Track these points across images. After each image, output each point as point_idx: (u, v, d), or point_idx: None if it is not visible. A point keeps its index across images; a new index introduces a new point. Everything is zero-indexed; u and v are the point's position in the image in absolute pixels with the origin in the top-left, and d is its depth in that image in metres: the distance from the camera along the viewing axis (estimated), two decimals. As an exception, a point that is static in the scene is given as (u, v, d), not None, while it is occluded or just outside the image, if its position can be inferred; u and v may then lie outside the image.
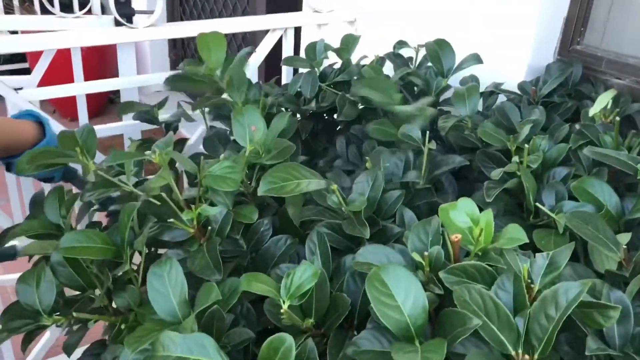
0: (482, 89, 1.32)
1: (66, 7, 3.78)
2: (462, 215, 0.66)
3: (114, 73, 1.40)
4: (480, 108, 1.27)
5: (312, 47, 1.36)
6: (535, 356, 0.57)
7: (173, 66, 3.68)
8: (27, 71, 3.22)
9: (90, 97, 1.42)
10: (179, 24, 1.45)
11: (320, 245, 0.77)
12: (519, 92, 1.29)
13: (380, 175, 0.87)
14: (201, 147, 1.18)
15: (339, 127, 1.30)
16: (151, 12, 1.33)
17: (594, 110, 0.99)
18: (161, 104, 1.26)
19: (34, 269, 0.71)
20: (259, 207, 0.88)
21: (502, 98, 1.29)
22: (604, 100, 0.97)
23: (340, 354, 0.64)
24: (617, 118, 0.94)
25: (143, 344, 0.59)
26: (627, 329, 0.60)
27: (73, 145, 0.84)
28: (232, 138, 1.16)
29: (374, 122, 1.01)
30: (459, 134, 1.09)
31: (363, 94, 1.06)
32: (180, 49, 3.62)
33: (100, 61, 2.89)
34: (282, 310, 0.64)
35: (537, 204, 0.87)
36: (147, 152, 0.81)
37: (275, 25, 1.51)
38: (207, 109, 1.26)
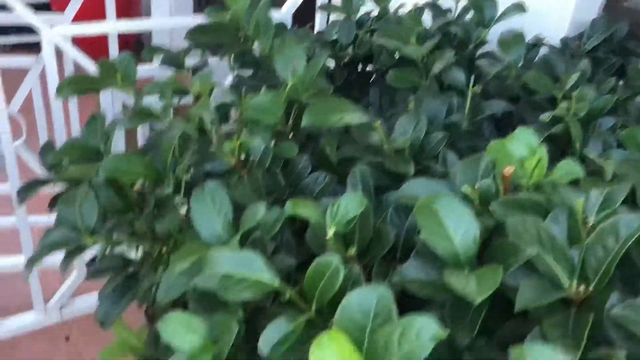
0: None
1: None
2: (521, 145, 0.64)
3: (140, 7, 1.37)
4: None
5: (349, -6, 1.32)
6: (591, 288, 0.56)
7: (197, 7, 3.62)
8: (46, 7, 3.17)
9: (119, 40, 1.41)
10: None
11: (363, 181, 0.76)
12: (563, 46, 1.25)
13: (423, 118, 0.85)
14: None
15: (374, 77, 1.28)
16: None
17: (644, 61, 0.95)
18: (188, 50, 1.23)
19: (75, 191, 0.71)
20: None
21: (543, 52, 1.26)
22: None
23: (385, 282, 0.63)
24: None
25: (190, 261, 0.58)
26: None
27: (112, 73, 0.82)
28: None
29: (393, 69, 0.99)
30: (501, 82, 1.06)
31: (380, 42, 1.04)
32: None
33: (127, 4, 2.85)
34: (327, 238, 0.63)
35: (584, 151, 0.84)
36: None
37: (310, -28, 1.48)
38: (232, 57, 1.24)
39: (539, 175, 0.64)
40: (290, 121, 0.92)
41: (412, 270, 0.61)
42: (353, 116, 0.80)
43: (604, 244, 0.56)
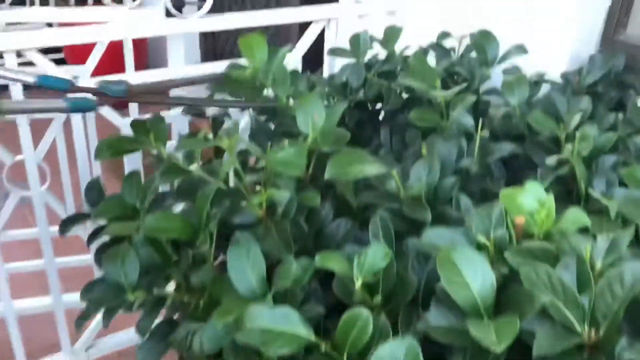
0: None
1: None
2: (531, 198, 0.69)
3: (146, 58, 1.44)
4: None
5: (356, 38, 1.39)
6: (601, 332, 0.60)
7: (204, 58, 3.72)
8: (62, 61, 3.29)
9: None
10: (229, 14, 1.48)
11: (384, 229, 0.81)
12: (562, 81, 1.31)
13: (437, 162, 0.91)
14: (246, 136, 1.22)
15: (383, 117, 1.34)
16: (202, 2, 1.37)
17: (642, 99, 1.01)
18: (210, 97, 1.30)
19: (117, 248, 0.76)
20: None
21: (545, 88, 1.31)
22: (654, 90, 0.99)
23: (410, 330, 0.68)
24: (667, 107, 0.96)
25: (231, 317, 0.63)
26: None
27: (145, 132, 0.88)
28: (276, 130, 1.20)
29: (415, 109, 1.05)
30: (507, 122, 1.11)
31: (407, 83, 1.10)
32: (211, 40, 3.66)
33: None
34: (356, 288, 0.68)
35: (589, 190, 0.89)
36: (213, 138, 0.86)
37: (317, 16, 1.55)
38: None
39: (548, 224, 0.69)
40: (310, 170, 0.97)
41: (434, 317, 0.66)
42: (372, 167, 0.86)
43: (612, 290, 0.61)
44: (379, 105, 1.36)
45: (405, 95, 1.28)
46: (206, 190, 0.77)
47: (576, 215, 0.69)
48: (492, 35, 1.24)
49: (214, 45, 3.67)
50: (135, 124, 0.88)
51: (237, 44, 3.20)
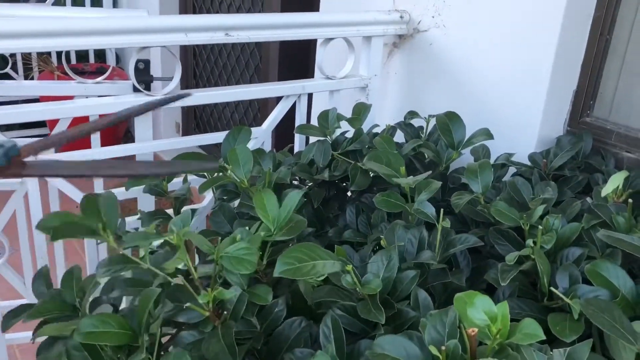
0: (493, 158, 1.34)
1: (82, 58, 3.90)
2: (479, 312, 0.66)
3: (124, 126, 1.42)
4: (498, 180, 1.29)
5: (324, 115, 1.38)
6: None
7: (185, 119, 3.73)
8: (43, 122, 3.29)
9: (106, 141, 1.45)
10: (197, 91, 1.48)
11: (335, 330, 0.77)
12: (529, 163, 1.30)
13: (395, 256, 0.88)
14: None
15: (350, 196, 1.32)
16: (169, 79, 1.36)
17: (606, 190, 1.00)
18: (170, 178, 1.27)
19: (50, 353, 0.71)
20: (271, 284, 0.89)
21: (513, 169, 1.31)
22: (616, 181, 0.98)
23: None
24: (630, 200, 0.95)
25: None
26: None
27: (95, 213, 0.85)
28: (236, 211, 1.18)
29: (380, 194, 1.03)
30: (472, 208, 1.10)
31: (370, 167, 1.08)
32: (192, 110, 3.68)
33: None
34: (298, 405, 0.64)
35: (552, 288, 0.87)
36: (164, 234, 0.82)
37: (288, 92, 1.55)
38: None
39: (502, 336, 0.66)
40: (265, 260, 0.94)
41: None
42: (325, 265, 0.83)
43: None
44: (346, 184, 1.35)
45: (372, 174, 1.26)
46: (148, 292, 0.73)
47: (530, 328, 0.66)
48: (457, 117, 1.24)
49: (195, 115, 3.69)
50: (86, 203, 0.84)
51: (220, 106, 3.21)
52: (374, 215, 1.18)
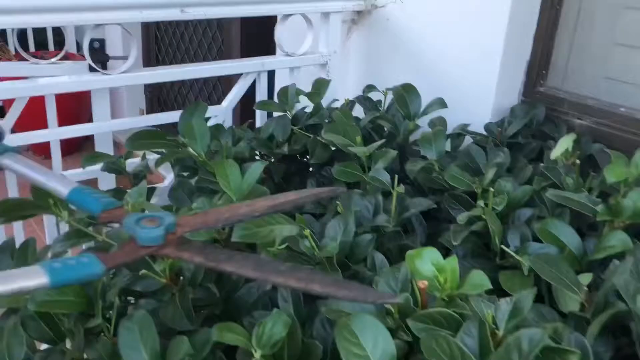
0: (450, 129, 1.36)
1: (41, 46, 3.81)
2: (428, 264, 0.68)
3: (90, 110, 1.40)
4: (448, 149, 1.31)
5: (284, 91, 1.39)
6: (499, 401, 0.59)
7: (149, 105, 3.69)
8: (2, 111, 3.21)
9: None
10: (153, 69, 1.47)
11: (293, 293, 0.78)
12: (485, 133, 1.33)
13: (352, 220, 0.89)
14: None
15: (311, 170, 1.33)
16: (126, 58, 1.35)
17: (555, 153, 1.03)
18: (128, 154, 1.26)
19: (1, 324, 0.71)
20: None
21: (469, 138, 1.33)
22: (565, 143, 1.01)
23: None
24: (577, 161, 0.98)
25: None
26: (588, 372, 0.62)
27: (46, 195, 0.84)
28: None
29: (338, 164, 1.04)
30: (428, 176, 1.12)
31: (328, 138, 1.10)
32: (156, 87, 3.64)
33: (77, 99, 2.89)
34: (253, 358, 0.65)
35: (503, 246, 0.89)
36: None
37: (248, 69, 1.55)
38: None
39: (451, 288, 0.68)
40: (226, 229, 0.95)
41: (336, 390, 0.63)
42: (283, 229, 0.84)
43: (510, 358, 0.59)
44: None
45: (332, 148, 1.27)
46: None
47: (478, 279, 0.68)
48: (413, 89, 1.26)
49: (159, 93, 3.65)
50: (35, 191, 0.84)
51: (183, 91, 3.18)
52: (344, 195, 1.19)
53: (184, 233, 0.62)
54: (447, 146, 1.29)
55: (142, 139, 1.14)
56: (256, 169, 0.94)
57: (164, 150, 1.19)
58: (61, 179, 0.75)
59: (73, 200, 0.72)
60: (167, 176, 1.48)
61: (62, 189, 0.73)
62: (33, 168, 0.76)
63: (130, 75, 1.34)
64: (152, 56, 3.53)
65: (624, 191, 0.91)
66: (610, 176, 0.89)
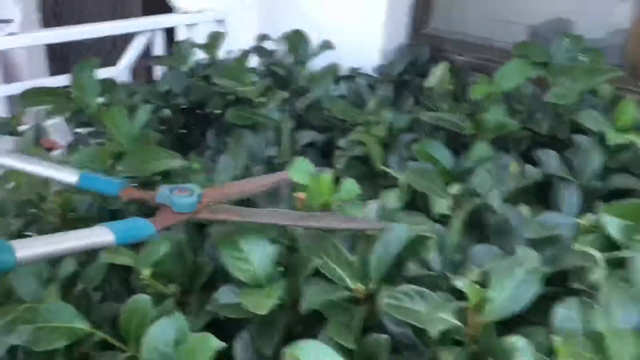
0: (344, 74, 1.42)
1: None
2: (301, 174, 0.73)
3: None
4: (344, 91, 1.37)
5: (178, 45, 1.40)
6: (371, 286, 0.65)
7: (54, 73, 3.53)
8: None
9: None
10: (49, 30, 1.44)
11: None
12: (375, 74, 1.40)
13: (243, 153, 0.94)
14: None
15: (211, 119, 1.36)
16: (9, 21, 1.32)
17: (428, 82, 1.10)
18: (19, 116, 1.24)
19: None
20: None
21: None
22: (438, 72, 1.09)
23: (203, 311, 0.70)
24: (450, 86, 1.06)
25: (5, 320, 0.61)
26: (445, 256, 0.70)
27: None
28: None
29: (232, 108, 1.08)
30: (320, 114, 1.17)
31: (218, 82, 1.13)
32: (59, 52, 3.49)
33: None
34: (141, 277, 0.69)
35: (383, 167, 0.96)
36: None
37: (142, 27, 1.54)
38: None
39: (328, 195, 0.74)
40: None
41: (222, 296, 0.68)
42: (171, 162, 0.87)
43: (379, 250, 0.66)
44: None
45: (230, 97, 1.30)
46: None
47: (350, 186, 0.75)
48: (302, 35, 1.30)
49: (62, 55, 3.50)
50: None
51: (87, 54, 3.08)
52: (232, 133, 1.23)
53: (209, 203, 0.71)
54: (343, 89, 1.35)
55: (34, 95, 1.13)
56: (143, 113, 0.96)
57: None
58: (64, 168, 0.78)
59: (85, 186, 0.77)
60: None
61: (70, 178, 0.76)
62: (31, 161, 0.79)
63: (14, 38, 1.31)
64: (50, 17, 3.37)
65: (488, 108, 1.00)
66: (475, 94, 0.97)
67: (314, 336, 0.62)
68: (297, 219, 0.69)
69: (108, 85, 1.23)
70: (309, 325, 0.67)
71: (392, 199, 0.91)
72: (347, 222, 0.71)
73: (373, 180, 1.02)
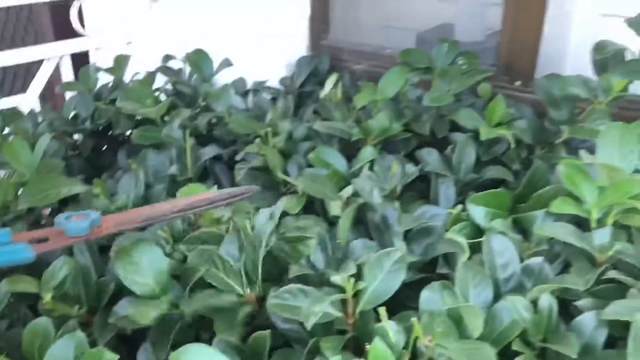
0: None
1: None
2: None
3: None
4: (250, 105, 1.43)
5: (85, 70, 1.42)
6: (257, 290, 0.72)
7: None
8: None
9: None
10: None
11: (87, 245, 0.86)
12: (280, 86, 1.47)
13: (142, 174, 0.98)
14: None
15: (122, 141, 1.39)
16: None
17: (323, 92, 1.18)
18: None
19: None
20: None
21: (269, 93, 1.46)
22: (330, 82, 1.17)
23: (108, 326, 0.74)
24: (339, 95, 1.14)
25: None
26: (327, 254, 0.77)
27: None
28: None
29: (137, 129, 1.12)
30: (225, 129, 1.23)
31: (120, 105, 1.17)
32: None
33: None
34: (44, 302, 0.72)
35: (283, 175, 1.03)
36: None
37: (48, 54, 1.55)
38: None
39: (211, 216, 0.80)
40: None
41: (120, 309, 0.73)
42: (72, 188, 0.91)
43: (250, 252, 0.72)
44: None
45: (137, 118, 1.34)
46: None
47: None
48: (204, 54, 1.36)
49: None
50: None
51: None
52: (141, 153, 1.27)
53: (108, 229, 0.72)
54: (250, 102, 1.41)
55: None
56: (42, 143, 0.99)
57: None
58: None
59: None
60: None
61: None
62: None
63: None
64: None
65: (375, 114, 1.08)
66: (359, 101, 1.05)
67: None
68: (180, 203, 0.73)
69: (11, 115, 1.24)
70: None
71: (291, 204, 0.98)
72: (225, 193, 0.75)
73: (275, 189, 1.08)
